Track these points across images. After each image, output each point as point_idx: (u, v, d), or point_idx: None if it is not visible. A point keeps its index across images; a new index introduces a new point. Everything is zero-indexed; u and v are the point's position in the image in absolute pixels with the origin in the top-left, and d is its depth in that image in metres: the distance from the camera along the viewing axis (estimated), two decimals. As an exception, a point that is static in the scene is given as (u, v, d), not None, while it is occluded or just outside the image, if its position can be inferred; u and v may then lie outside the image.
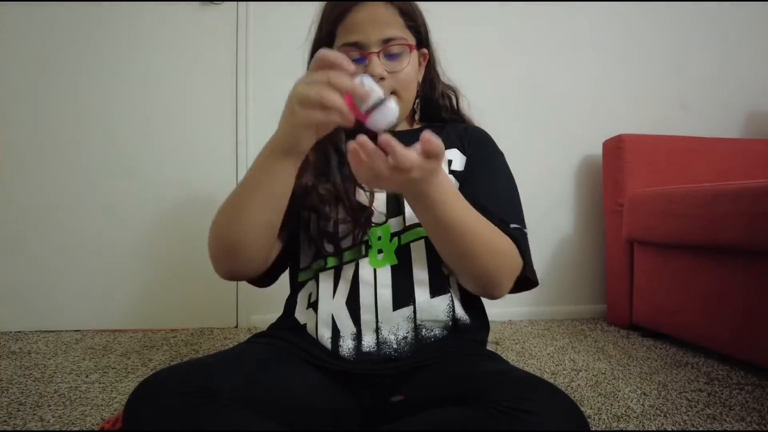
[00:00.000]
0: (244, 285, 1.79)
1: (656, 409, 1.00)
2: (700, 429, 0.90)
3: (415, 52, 0.81)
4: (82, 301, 1.72)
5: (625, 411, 0.98)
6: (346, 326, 0.72)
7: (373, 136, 0.56)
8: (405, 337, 0.72)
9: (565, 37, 1.98)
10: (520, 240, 0.73)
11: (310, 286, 0.78)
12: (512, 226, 0.74)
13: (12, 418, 0.94)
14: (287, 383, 0.66)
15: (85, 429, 0.90)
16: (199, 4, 1.77)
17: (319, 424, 0.65)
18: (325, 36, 0.80)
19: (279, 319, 0.83)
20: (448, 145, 0.81)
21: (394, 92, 0.78)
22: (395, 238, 0.76)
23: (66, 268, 1.72)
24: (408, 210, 0.75)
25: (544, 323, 1.82)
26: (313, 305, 0.75)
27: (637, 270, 1.67)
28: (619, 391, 1.09)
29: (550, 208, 1.95)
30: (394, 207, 0.77)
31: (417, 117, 0.90)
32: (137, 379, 1.15)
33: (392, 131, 0.61)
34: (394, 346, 0.72)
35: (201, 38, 1.78)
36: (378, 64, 0.76)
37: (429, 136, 0.54)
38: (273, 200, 0.68)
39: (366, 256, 0.75)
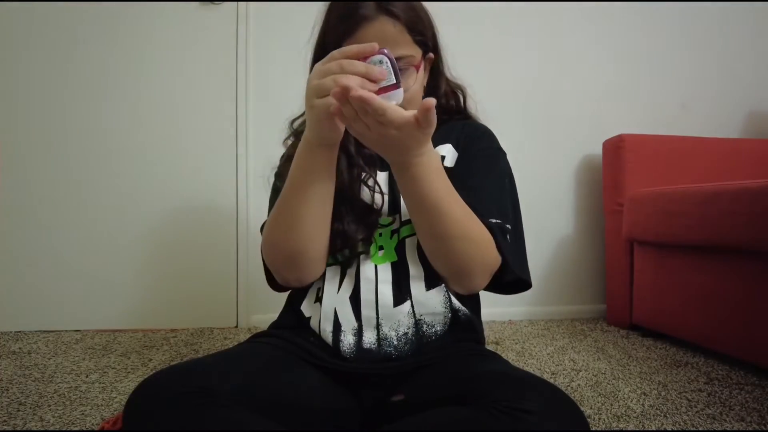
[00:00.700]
0: (244, 285, 1.83)
1: (656, 409, 1.00)
2: (700, 429, 0.90)
3: (422, 65, 0.79)
4: (82, 301, 1.72)
5: (625, 411, 0.98)
6: (348, 321, 0.73)
7: None
8: (405, 333, 0.73)
9: (566, 37, 1.98)
10: (497, 233, 0.72)
11: (318, 280, 0.79)
12: (492, 220, 0.73)
13: (12, 418, 0.94)
14: (287, 383, 0.66)
15: (85, 429, 0.90)
16: (199, 4, 1.77)
17: (319, 424, 0.65)
18: (332, 47, 0.79)
19: (282, 313, 0.83)
20: (443, 141, 0.81)
21: None
22: (395, 235, 0.77)
23: (66, 268, 1.72)
24: (403, 206, 0.75)
25: (544, 323, 1.82)
26: (320, 299, 0.76)
27: (636, 270, 1.67)
28: (619, 391, 1.09)
29: (550, 207, 1.95)
30: (393, 205, 0.78)
31: None
32: (137, 379, 1.15)
33: None
34: (395, 343, 0.72)
35: (201, 38, 1.78)
36: None
37: (431, 105, 0.55)
38: (320, 196, 0.70)
39: (368, 252, 0.76)
